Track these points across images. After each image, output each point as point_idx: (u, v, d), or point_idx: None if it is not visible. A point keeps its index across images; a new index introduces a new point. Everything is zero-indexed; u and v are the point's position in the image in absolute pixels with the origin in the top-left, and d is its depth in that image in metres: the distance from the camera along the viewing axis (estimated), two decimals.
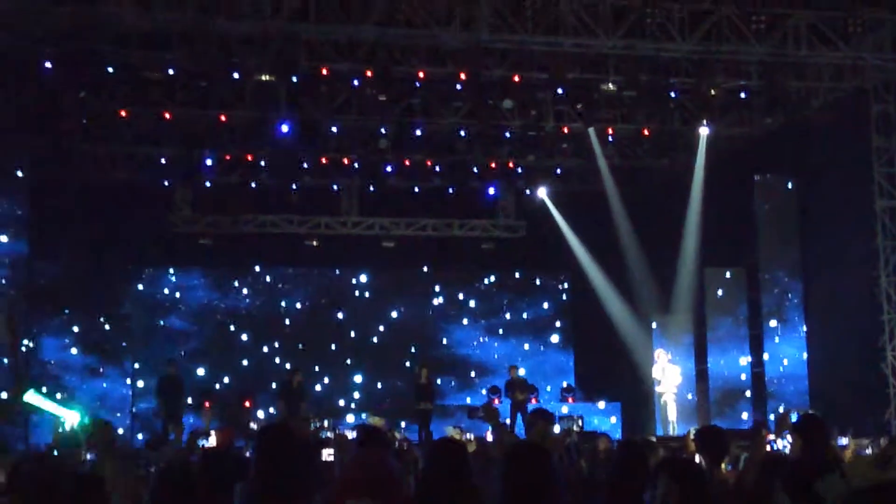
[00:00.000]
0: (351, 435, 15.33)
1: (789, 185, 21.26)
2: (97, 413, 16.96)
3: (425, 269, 26.05)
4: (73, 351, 22.46)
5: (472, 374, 25.80)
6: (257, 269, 25.49)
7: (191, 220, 23.33)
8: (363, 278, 25.99)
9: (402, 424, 20.99)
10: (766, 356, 21.35)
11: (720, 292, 22.21)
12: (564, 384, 24.44)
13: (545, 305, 26.86)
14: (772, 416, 19.70)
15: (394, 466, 4.49)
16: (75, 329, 22.55)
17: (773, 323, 21.24)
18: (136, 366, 23.25)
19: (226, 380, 24.41)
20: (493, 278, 26.70)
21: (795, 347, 20.97)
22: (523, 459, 4.33)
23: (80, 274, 22.39)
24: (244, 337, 25.06)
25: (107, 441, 6.76)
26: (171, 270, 25.06)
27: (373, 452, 4.86)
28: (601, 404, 23.49)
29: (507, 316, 26.64)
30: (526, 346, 26.33)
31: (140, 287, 24.67)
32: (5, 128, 18.07)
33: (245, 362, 24.88)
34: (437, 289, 26.36)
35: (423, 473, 4.82)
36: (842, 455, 11.27)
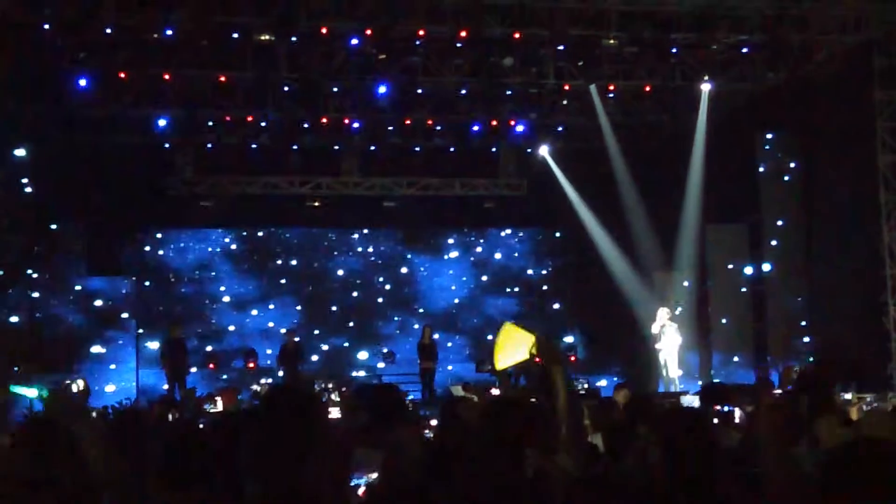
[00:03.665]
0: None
1: (792, 141, 21.19)
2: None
3: (427, 228, 26.04)
4: (75, 313, 22.37)
5: (475, 331, 25.81)
6: (258, 230, 25.47)
7: (191, 182, 23.25)
8: (365, 239, 25.98)
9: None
10: (768, 312, 21.39)
11: (722, 249, 22.18)
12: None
13: (546, 263, 26.88)
14: (776, 373, 19.78)
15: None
16: (76, 291, 22.38)
17: (775, 279, 21.27)
18: (140, 330, 23.24)
19: (226, 341, 24.47)
20: (495, 236, 26.70)
21: (798, 303, 20.98)
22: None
23: (79, 238, 22.34)
24: (245, 298, 25.08)
25: (64, 403, 6.56)
26: (173, 233, 25.04)
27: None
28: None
29: (509, 274, 26.67)
30: (527, 304, 26.39)
31: (141, 250, 24.65)
32: (3, 91, 17.93)
33: (246, 323, 24.94)
34: (438, 248, 26.37)
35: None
36: (846, 409, 11.32)
